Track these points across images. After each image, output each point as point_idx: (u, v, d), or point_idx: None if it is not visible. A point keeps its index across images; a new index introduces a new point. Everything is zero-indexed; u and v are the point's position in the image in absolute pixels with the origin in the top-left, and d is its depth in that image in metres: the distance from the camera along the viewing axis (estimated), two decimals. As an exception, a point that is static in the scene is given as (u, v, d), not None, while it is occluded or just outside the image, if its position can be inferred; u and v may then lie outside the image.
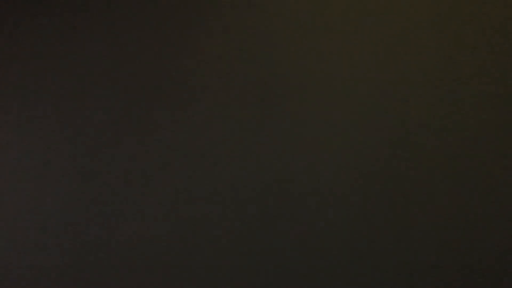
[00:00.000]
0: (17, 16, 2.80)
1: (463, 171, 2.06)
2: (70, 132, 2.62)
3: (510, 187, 2.00)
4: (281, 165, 2.28)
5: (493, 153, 2.03)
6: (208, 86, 2.42)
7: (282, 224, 2.26)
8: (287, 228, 2.25)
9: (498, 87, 2.05)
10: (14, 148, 2.73)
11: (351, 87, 2.21)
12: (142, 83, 2.53)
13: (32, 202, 2.66)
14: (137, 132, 2.51)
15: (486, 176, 2.03)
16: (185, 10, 2.50)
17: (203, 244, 2.37)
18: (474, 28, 2.09)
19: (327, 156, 2.22)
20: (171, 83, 2.48)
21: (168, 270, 2.41)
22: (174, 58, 2.49)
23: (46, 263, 2.60)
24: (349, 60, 2.23)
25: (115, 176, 2.52)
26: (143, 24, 2.56)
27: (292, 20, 2.32)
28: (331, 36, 2.26)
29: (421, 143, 2.11)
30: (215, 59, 2.42)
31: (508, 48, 2.05)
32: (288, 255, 2.24)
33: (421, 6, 2.16)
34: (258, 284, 2.27)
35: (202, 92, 2.43)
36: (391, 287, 2.10)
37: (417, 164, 2.11)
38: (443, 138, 2.09)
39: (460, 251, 2.04)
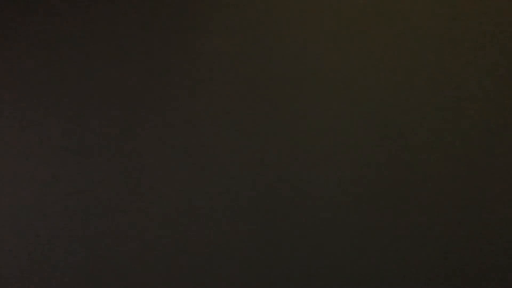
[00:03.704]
0: (17, 17, 2.80)
1: (463, 173, 2.06)
2: (70, 130, 2.62)
3: (510, 189, 2.00)
4: (281, 165, 2.28)
5: (494, 154, 2.03)
6: (208, 86, 2.42)
7: (282, 224, 2.26)
8: (286, 228, 2.25)
9: (499, 88, 2.05)
10: (14, 148, 2.73)
11: (352, 87, 2.21)
12: (143, 82, 2.53)
13: (31, 202, 2.65)
14: (137, 131, 2.51)
15: (487, 177, 2.03)
16: (185, 9, 2.50)
17: (204, 242, 2.37)
18: (473, 28, 2.09)
19: (327, 156, 2.22)
20: (171, 83, 2.48)
21: (168, 269, 2.41)
22: (173, 58, 2.49)
23: (46, 263, 2.60)
24: (350, 61, 2.23)
25: (116, 175, 2.52)
26: (144, 23, 2.56)
27: (293, 19, 2.32)
28: (332, 37, 2.26)
29: (421, 144, 2.11)
30: (215, 59, 2.42)
31: (508, 48, 2.05)
32: (287, 256, 2.24)
33: (421, 6, 2.16)
34: (258, 284, 2.27)
35: (202, 92, 2.43)
36: (391, 289, 2.11)
37: (417, 165, 2.11)
38: (444, 140, 2.09)
39: (460, 252, 2.04)
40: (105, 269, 2.50)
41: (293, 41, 2.31)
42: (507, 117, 2.03)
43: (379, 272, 2.12)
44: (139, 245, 2.46)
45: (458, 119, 2.08)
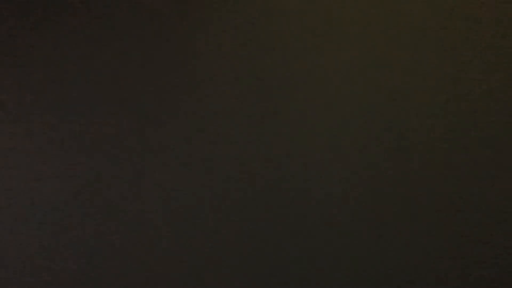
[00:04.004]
0: (17, 17, 2.80)
1: (463, 173, 2.06)
2: (70, 130, 2.62)
3: (510, 189, 2.00)
4: (281, 165, 2.28)
5: (494, 154, 2.03)
6: (208, 86, 2.42)
7: (282, 224, 2.26)
8: (286, 228, 2.25)
9: (499, 88, 2.05)
10: (13, 147, 2.73)
11: (353, 87, 2.21)
12: (142, 82, 2.53)
13: (31, 201, 2.65)
14: (137, 131, 2.51)
15: (487, 177, 2.03)
16: (185, 9, 2.50)
17: (204, 242, 2.37)
18: (473, 28, 2.09)
19: (328, 156, 2.22)
20: (171, 83, 2.48)
21: (169, 270, 2.41)
22: (173, 58, 2.49)
23: (45, 263, 2.60)
24: (350, 61, 2.23)
25: (115, 175, 2.52)
26: (144, 23, 2.56)
27: (293, 19, 2.32)
28: (332, 37, 2.26)
29: (421, 144, 2.11)
30: (215, 59, 2.42)
31: (508, 48, 2.05)
32: (287, 256, 2.24)
33: (421, 6, 2.16)
34: (258, 284, 2.27)
35: (202, 91, 2.43)
36: (391, 289, 2.11)
37: (417, 165, 2.11)
38: (444, 140, 2.09)
39: (460, 252, 2.04)
40: (105, 269, 2.50)
41: (293, 41, 2.31)
42: (507, 117, 2.03)
43: (380, 272, 2.12)
44: (140, 245, 2.46)
45: (458, 119, 2.08)
